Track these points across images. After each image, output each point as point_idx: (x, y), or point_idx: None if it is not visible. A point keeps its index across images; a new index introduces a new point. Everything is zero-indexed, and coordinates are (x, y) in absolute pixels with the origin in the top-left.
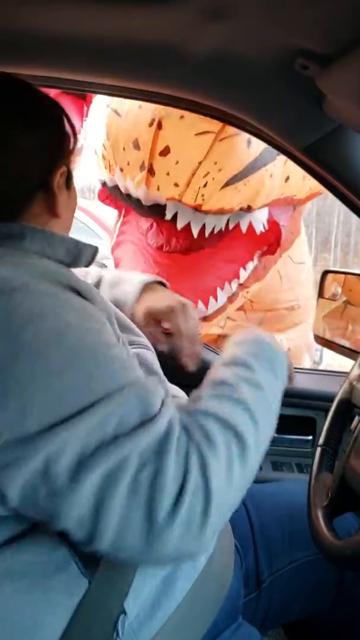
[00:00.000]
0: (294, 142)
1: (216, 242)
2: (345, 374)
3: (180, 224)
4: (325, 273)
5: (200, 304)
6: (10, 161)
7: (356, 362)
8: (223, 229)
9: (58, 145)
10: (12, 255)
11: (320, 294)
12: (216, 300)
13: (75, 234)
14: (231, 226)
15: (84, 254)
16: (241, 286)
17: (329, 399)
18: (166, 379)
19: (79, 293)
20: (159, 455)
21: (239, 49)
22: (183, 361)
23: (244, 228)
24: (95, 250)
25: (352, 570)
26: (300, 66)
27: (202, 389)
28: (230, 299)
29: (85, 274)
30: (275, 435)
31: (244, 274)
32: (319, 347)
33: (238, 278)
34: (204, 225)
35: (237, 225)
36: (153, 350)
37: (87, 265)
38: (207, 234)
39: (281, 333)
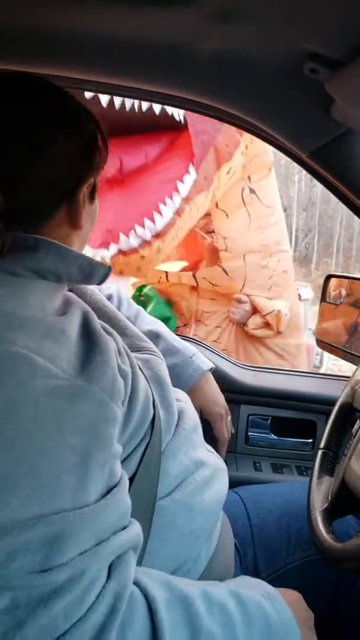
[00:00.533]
0: (300, 146)
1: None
2: (345, 378)
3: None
4: (329, 277)
5: (148, 222)
6: (43, 168)
7: (359, 366)
8: None
9: (90, 157)
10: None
11: (323, 298)
12: (161, 215)
13: None
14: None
15: (96, 273)
16: (185, 199)
17: (330, 402)
18: (172, 389)
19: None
20: (31, 612)
21: (248, 52)
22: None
23: None
24: (108, 270)
25: (351, 572)
26: (310, 70)
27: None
28: (178, 212)
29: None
30: (276, 437)
31: (183, 188)
32: (320, 350)
33: (178, 192)
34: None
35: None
36: (162, 358)
37: (100, 283)
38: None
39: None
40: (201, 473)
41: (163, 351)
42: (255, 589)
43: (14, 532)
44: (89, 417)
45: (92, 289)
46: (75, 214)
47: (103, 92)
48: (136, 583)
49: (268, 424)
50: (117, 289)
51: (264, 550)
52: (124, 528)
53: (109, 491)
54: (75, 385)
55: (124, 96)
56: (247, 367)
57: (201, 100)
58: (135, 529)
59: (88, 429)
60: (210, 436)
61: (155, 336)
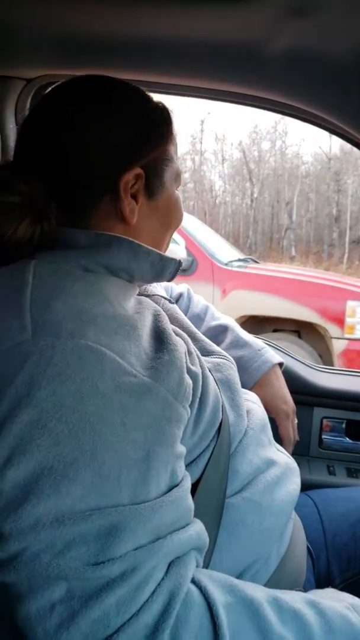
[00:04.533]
0: None
1: None
2: None
3: None
4: None
5: None
6: (85, 152)
7: None
8: None
9: (138, 147)
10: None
11: None
12: None
13: None
14: None
15: (168, 268)
16: None
17: None
18: (242, 391)
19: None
20: (85, 603)
21: (318, 46)
22: None
23: None
24: (179, 264)
25: None
26: None
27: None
28: None
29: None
30: (351, 441)
31: None
32: None
33: None
34: None
35: None
36: (233, 362)
37: (171, 279)
38: None
39: None
40: (271, 472)
41: (231, 343)
42: (336, 599)
43: (71, 521)
44: (153, 414)
45: (164, 301)
46: (120, 206)
47: (178, 94)
48: (196, 584)
49: (343, 427)
50: (187, 287)
51: (338, 556)
52: (183, 527)
53: (169, 490)
54: (142, 382)
55: (198, 97)
56: (320, 369)
57: (275, 99)
58: (197, 528)
59: (152, 426)
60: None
61: (224, 329)
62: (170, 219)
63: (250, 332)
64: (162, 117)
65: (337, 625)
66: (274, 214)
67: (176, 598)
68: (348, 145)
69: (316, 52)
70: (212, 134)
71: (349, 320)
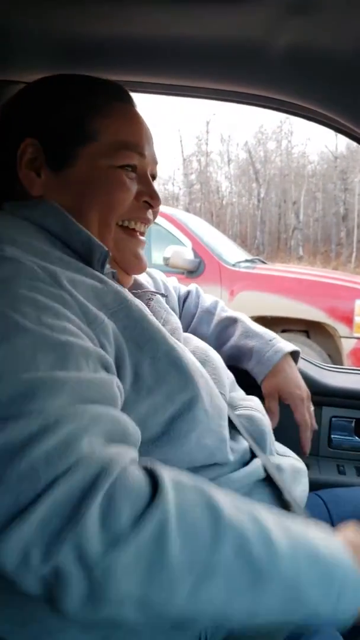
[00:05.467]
0: None
1: None
2: None
3: None
4: None
5: None
6: (3, 125)
7: None
8: None
9: (31, 116)
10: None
11: None
12: None
13: (159, 240)
14: None
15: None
16: None
17: None
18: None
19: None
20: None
21: (322, 44)
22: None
23: None
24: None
25: None
26: None
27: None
28: None
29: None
30: None
31: None
32: None
33: None
34: None
35: None
36: (265, 414)
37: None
38: None
39: None
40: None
41: (241, 334)
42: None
43: None
44: (68, 318)
45: (158, 297)
46: (19, 176)
47: (182, 95)
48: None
49: (352, 427)
50: (195, 286)
51: None
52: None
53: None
54: (59, 294)
55: (202, 98)
56: (328, 368)
57: (273, 96)
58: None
59: (68, 325)
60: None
61: (233, 321)
62: (93, 195)
63: None
64: (84, 89)
65: (292, 529)
66: (281, 214)
67: (116, 464)
68: (354, 144)
69: (319, 50)
70: (218, 135)
71: (357, 319)
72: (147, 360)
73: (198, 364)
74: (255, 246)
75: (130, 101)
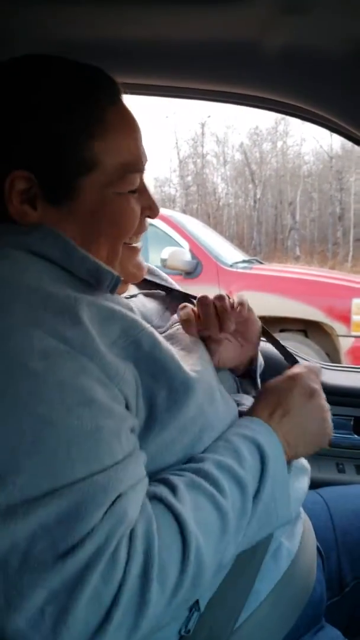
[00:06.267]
0: None
1: None
2: None
3: None
4: None
5: None
6: None
7: None
8: None
9: (17, 146)
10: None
11: None
12: None
13: (156, 242)
14: None
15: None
16: None
17: None
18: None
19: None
20: (71, 593)
21: (314, 44)
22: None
23: None
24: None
25: None
26: None
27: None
28: None
29: None
30: (358, 438)
31: None
32: None
33: None
34: None
35: None
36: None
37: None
38: None
39: None
40: None
41: None
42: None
43: (25, 511)
44: (91, 389)
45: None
46: (9, 210)
47: (171, 96)
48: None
49: (351, 425)
50: None
51: (349, 554)
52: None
53: (124, 458)
54: (76, 359)
55: (197, 99)
56: (326, 366)
57: (267, 96)
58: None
59: (93, 401)
60: None
61: None
62: (100, 226)
63: None
64: (72, 97)
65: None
66: (277, 215)
67: (151, 537)
68: (349, 143)
69: (312, 50)
70: (213, 136)
71: (355, 317)
72: (163, 392)
73: (212, 380)
74: (252, 247)
75: (120, 95)
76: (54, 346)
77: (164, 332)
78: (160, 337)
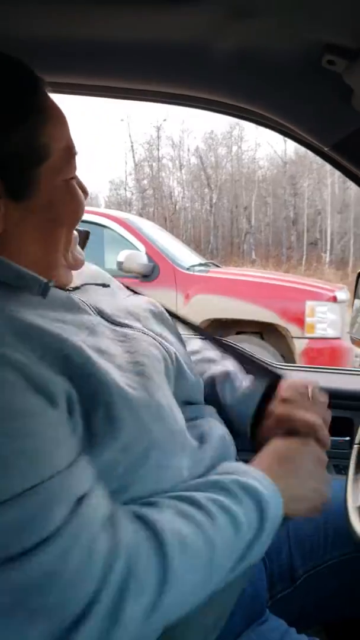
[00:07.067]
0: (322, 138)
1: None
2: None
3: None
4: None
5: None
6: None
7: None
8: None
9: None
10: None
11: (356, 295)
12: None
13: (112, 245)
14: None
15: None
16: None
17: None
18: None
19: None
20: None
21: (264, 47)
22: None
23: None
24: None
25: None
26: (327, 62)
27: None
28: None
29: None
30: None
31: None
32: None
33: None
34: None
35: None
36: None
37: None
38: None
39: None
40: None
41: None
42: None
43: None
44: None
45: None
46: None
47: (122, 98)
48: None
49: None
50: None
51: (299, 547)
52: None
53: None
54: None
55: (142, 100)
56: (280, 367)
57: (218, 99)
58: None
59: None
60: None
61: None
62: (58, 216)
63: (214, 335)
64: (20, 87)
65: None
66: (233, 219)
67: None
68: (303, 149)
69: (263, 54)
70: (169, 140)
71: (308, 319)
72: (99, 410)
73: (158, 393)
74: (209, 250)
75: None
76: None
77: (120, 323)
78: (91, 351)
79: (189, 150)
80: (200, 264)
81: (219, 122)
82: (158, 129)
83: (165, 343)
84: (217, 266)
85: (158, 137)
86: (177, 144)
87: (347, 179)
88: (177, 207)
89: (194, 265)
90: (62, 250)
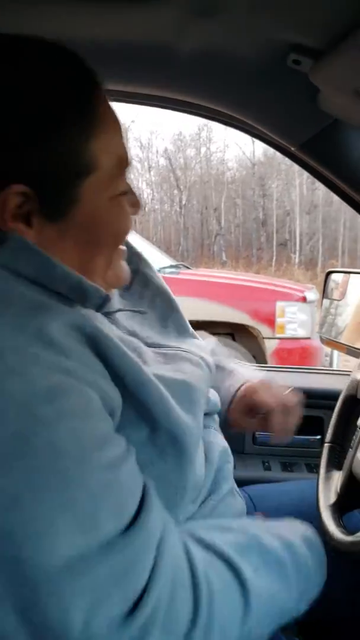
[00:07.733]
0: (290, 139)
1: None
2: (349, 372)
3: None
4: (329, 273)
5: None
6: None
7: None
8: None
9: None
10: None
11: (325, 295)
12: None
13: None
14: None
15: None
16: None
17: (335, 397)
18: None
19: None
20: None
21: (228, 47)
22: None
23: None
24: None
25: None
26: (293, 61)
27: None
28: None
29: None
30: None
31: None
32: (329, 352)
33: None
34: None
35: None
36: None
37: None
38: None
39: None
40: None
41: None
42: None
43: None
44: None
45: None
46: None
47: None
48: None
49: None
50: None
51: None
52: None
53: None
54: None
55: (116, 101)
56: (253, 368)
57: (185, 99)
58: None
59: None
60: None
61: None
62: (98, 238)
63: None
64: (68, 89)
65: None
66: (203, 221)
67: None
68: (271, 150)
69: (227, 53)
70: (137, 142)
71: (279, 320)
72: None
73: (199, 427)
74: (179, 252)
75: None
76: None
77: (164, 351)
78: (150, 375)
79: (157, 151)
80: (171, 266)
81: (187, 124)
82: (126, 130)
83: (206, 358)
84: (188, 268)
85: (126, 139)
86: (146, 146)
87: (315, 180)
88: (146, 209)
89: (164, 267)
90: (100, 272)
